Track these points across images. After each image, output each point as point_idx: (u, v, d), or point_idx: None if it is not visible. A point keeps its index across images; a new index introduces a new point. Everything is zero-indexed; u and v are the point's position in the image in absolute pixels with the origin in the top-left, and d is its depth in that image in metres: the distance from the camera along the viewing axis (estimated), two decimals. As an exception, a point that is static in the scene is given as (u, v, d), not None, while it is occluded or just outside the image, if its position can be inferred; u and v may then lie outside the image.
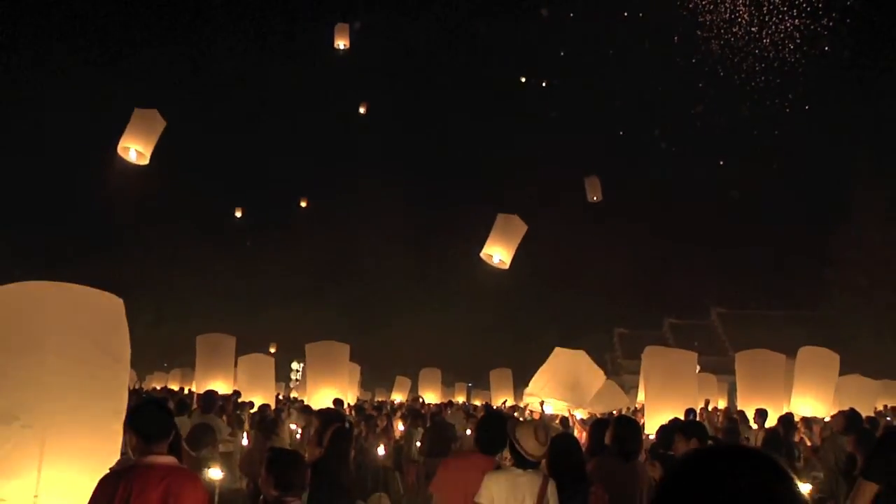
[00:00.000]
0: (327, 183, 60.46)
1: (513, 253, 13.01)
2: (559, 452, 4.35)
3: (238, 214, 32.75)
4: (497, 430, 4.35)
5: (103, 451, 4.63)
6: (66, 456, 4.56)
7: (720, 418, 12.40)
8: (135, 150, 11.88)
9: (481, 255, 13.18)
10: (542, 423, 4.49)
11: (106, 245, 50.72)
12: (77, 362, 4.82)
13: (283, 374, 29.52)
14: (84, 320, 5.03)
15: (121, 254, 49.73)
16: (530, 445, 4.01)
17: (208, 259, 51.37)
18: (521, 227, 13.07)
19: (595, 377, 11.91)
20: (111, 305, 5.26)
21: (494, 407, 21.59)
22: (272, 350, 35.88)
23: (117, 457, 4.68)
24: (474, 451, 4.53)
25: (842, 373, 14.78)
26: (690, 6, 26.25)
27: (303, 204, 33.76)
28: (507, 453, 4.16)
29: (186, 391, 18.94)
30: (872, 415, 13.10)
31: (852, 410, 7.44)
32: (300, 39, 64.92)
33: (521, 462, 4.06)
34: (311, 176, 62.76)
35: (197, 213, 54.74)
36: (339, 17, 21.53)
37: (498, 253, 12.96)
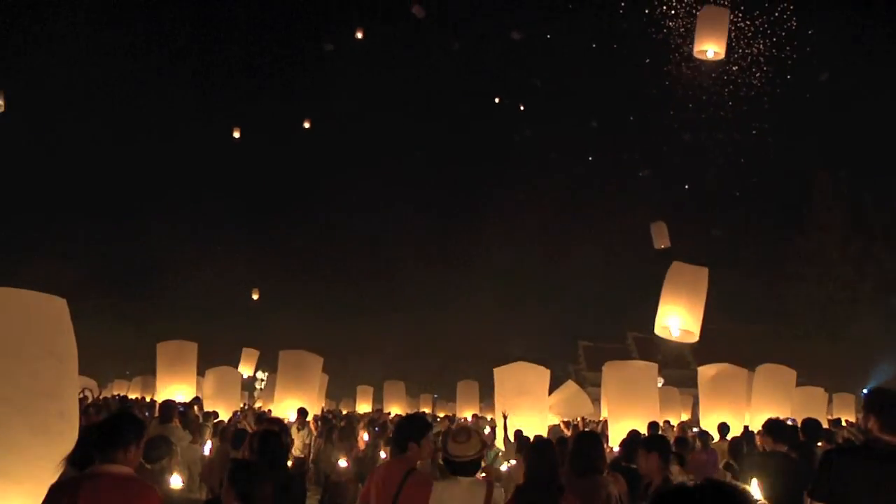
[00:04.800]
0: (306, 192, 60.40)
1: (725, 43, 12.14)
2: (534, 457, 4.40)
3: (236, 134, 31.40)
4: (404, 430, 4.36)
5: (49, 452, 4.47)
6: (10, 455, 4.50)
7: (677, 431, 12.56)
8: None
9: (694, 54, 12.42)
10: (465, 425, 4.55)
11: (64, 246, 49.26)
12: (19, 363, 4.76)
13: (246, 383, 29.14)
14: (26, 322, 4.97)
15: (80, 255, 48.48)
16: (451, 446, 4.09)
17: (173, 264, 50.72)
18: (724, 16, 12.24)
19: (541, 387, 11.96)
20: (54, 307, 5.22)
21: (462, 419, 21.60)
22: (254, 297, 35.41)
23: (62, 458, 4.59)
24: (393, 457, 4.55)
25: (798, 384, 15.18)
26: (664, 31, 26.75)
27: (306, 124, 32.12)
28: (423, 455, 4.22)
29: (149, 399, 18.61)
30: (826, 426, 13.40)
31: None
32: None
33: (449, 466, 4.11)
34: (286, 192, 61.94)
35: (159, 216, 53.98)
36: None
37: (710, 47, 12.13)
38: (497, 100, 42.36)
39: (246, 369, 26.86)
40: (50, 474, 3.60)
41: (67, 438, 4.76)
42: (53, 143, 49.81)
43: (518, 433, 10.57)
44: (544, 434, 11.20)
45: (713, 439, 11.46)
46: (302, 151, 59.37)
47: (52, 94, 42.76)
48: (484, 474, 7.79)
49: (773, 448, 5.89)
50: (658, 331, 10.42)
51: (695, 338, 10.33)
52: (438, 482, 4.09)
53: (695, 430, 13.23)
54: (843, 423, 15.71)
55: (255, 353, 27.49)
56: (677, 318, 10.15)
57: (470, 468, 4.10)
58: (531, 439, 7.44)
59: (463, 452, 4.06)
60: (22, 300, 5.10)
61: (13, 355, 4.77)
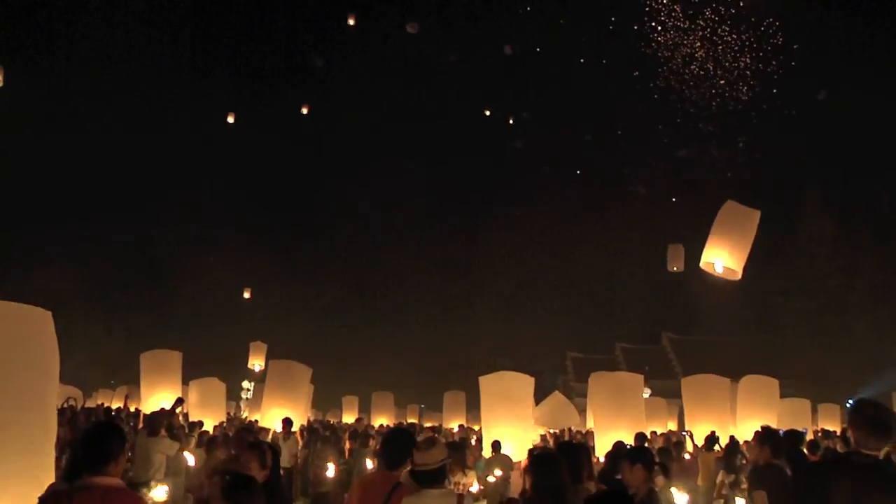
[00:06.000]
0: (300, 203, 60.30)
1: None
2: (541, 470, 4.35)
3: (230, 119, 30.71)
4: (397, 447, 4.35)
5: (31, 466, 4.49)
6: None
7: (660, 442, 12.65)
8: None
9: None
10: (430, 435, 4.56)
11: (47, 254, 48.59)
12: (5, 376, 4.70)
13: (233, 393, 29.03)
14: (10, 336, 4.89)
15: (67, 263, 47.95)
16: (415, 456, 4.07)
17: (163, 273, 50.45)
18: None
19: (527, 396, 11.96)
20: (39, 320, 5.15)
21: (449, 430, 21.56)
22: (246, 295, 35.18)
23: (48, 473, 4.54)
24: (380, 469, 4.52)
25: (784, 396, 15.27)
26: (652, 45, 27.14)
27: (304, 110, 31.56)
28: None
29: (133, 409, 18.52)
30: (812, 437, 13.53)
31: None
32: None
33: (415, 477, 4.08)
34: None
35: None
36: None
37: None
38: (488, 113, 42.71)
39: (256, 362, 26.47)
40: (31, 489, 3.56)
41: (48, 452, 4.72)
42: (39, 143, 49.19)
43: (496, 445, 10.45)
44: (530, 444, 11.22)
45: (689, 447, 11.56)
46: (295, 162, 59.51)
47: (34, 88, 42.27)
48: (476, 486, 7.80)
49: (768, 461, 5.71)
50: (703, 265, 10.40)
51: (737, 276, 10.33)
52: (407, 497, 4.04)
53: (683, 433, 13.36)
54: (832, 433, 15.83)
55: (264, 347, 27.16)
56: (722, 256, 10.07)
57: (436, 477, 4.05)
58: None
59: (425, 461, 4.04)
60: (8, 312, 5.02)
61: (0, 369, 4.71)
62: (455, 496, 4.11)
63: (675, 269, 17.40)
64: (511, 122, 41.06)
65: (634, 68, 36.68)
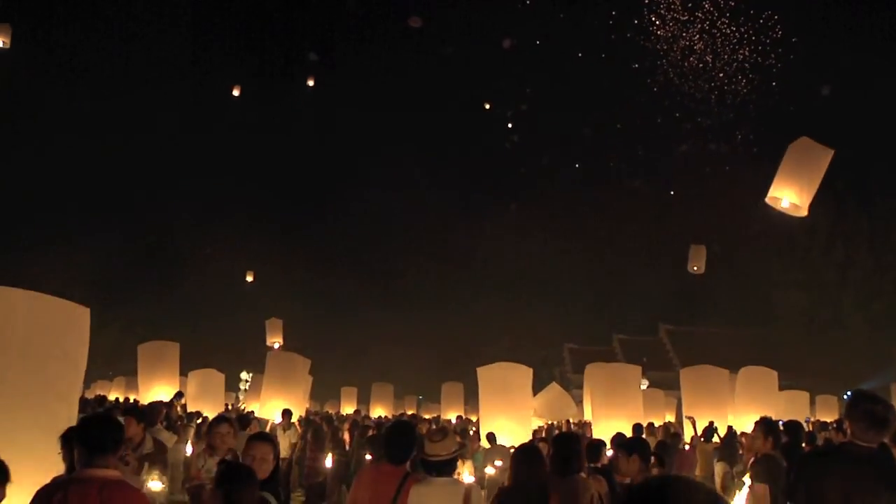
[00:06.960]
0: (301, 194, 60.17)
1: None
2: (520, 462, 4.38)
3: (236, 92, 30.32)
4: (403, 439, 4.35)
5: (51, 453, 4.61)
6: (19, 454, 4.51)
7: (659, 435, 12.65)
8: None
9: None
10: (441, 426, 4.62)
11: (43, 243, 48.33)
12: (41, 366, 4.96)
13: (231, 384, 29.02)
14: (52, 328, 5.18)
15: (61, 254, 47.83)
16: (427, 446, 4.12)
17: (156, 264, 50.41)
18: None
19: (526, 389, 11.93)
20: (78, 315, 5.45)
21: (446, 421, 21.61)
22: (249, 279, 35.35)
23: (61, 464, 4.61)
24: (385, 462, 4.48)
25: (782, 388, 15.30)
26: (651, 39, 27.08)
27: (309, 82, 31.09)
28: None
29: (132, 400, 18.54)
30: (810, 429, 13.56)
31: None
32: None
33: (425, 466, 4.12)
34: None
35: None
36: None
37: None
38: (487, 106, 42.66)
39: (275, 340, 26.26)
40: (49, 477, 3.60)
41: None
42: (35, 133, 48.90)
43: (491, 436, 10.46)
44: (529, 434, 11.24)
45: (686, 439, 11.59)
46: (297, 152, 59.37)
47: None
48: (468, 474, 7.83)
49: (768, 452, 5.68)
50: (768, 200, 10.19)
51: (803, 213, 10.13)
52: (416, 485, 4.08)
53: (687, 417, 13.39)
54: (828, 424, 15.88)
55: (280, 323, 27.06)
56: (790, 192, 9.92)
57: (446, 467, 4.11)
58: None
59: (438, 451, 4.08)
60: (49, 306, 5.32)
61: (37, 354, 4.97)
62: (462, 486, 4.14)
63: (695, 269, 17.34)
64: (512, 114, 41.06)
65: (633, 62, 36.64)
